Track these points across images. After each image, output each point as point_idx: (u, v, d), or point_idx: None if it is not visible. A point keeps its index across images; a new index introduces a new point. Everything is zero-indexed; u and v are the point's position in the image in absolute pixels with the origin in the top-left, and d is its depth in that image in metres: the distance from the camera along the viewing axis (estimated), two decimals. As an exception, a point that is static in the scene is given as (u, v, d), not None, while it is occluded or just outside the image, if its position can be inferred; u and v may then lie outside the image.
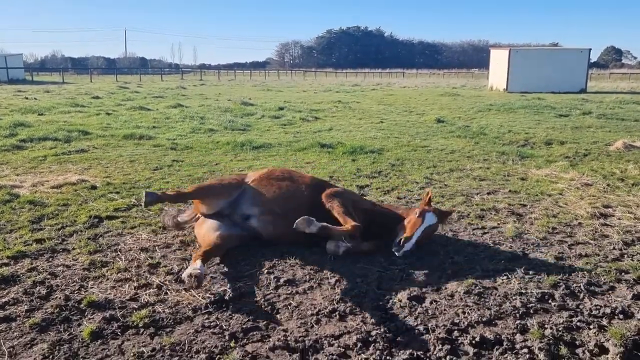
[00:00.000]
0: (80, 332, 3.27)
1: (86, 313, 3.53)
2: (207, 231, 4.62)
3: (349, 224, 4.32)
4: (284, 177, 5.03)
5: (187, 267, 4.05)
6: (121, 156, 9.38)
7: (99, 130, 12.62)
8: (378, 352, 3.02)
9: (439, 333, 3.24)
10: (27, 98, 23.35)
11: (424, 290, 3.89)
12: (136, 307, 3.62)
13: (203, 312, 3.55)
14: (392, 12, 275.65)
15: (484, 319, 3.42)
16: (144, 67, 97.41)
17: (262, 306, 3.64)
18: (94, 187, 6.95)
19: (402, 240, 4.29)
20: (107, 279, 4.08)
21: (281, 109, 18.75)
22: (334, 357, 3.00)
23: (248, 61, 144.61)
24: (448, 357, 2.96)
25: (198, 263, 3.86)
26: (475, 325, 3.37)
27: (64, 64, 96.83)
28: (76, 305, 3.63)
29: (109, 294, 3.82)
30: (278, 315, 3.53)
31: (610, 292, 3.88)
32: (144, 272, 4.22)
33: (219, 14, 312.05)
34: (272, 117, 16.13)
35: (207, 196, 4.85)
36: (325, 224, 4.26)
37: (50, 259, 4.48)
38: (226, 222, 4.70)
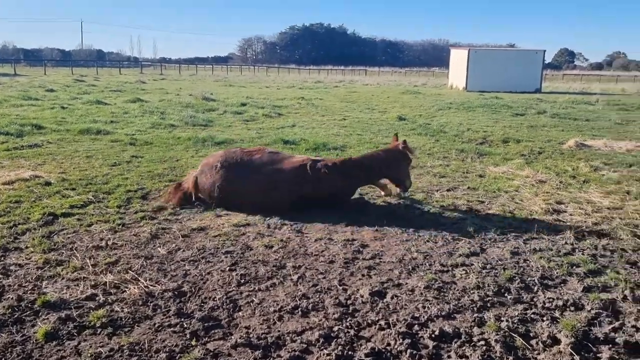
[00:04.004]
0: (34, 333, 3.17)
1: (40, 313, 3.41)
2: None
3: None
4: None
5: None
6: (77, 151, 9.09)
7: (53, 124, 12.19)
8: (340, 347, 3.05)
9: (400, 327, 3.30)
10: (-25, 90, 22.32)
11: (385, 285, 3.95)
12: (93, 306, 3.53)
13: (163, 310, 3.50)
14: (355, 10, 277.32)
15: (443, 313, 3.50)
16: (102, 60, 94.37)
17: (224, 304, 3.62)
18: (48, 184, 6.71)
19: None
20: (63, 278, 3.96)
21: (244, 104, 18.57)
22: (297, 353, 3.01)
23: (210, 56, 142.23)
24: (408, 351, 3.01)
25: None
26: (435, 319, 3.44)
27: (16, 55, 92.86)
28: (30, 305, 3.51)
29: (65, 293, 3.70)
30: (240, 313, 3.51)
31: (562, 285, 4.04)
32: (102, 270, 4.11)
33: (180, 7, 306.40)
34: (235, 113, 15.97)
35: None
36: None
37: (2, 258, 4.31)
38: None
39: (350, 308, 3.58)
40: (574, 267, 4.35)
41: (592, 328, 3.34)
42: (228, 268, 4.22)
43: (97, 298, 3.65)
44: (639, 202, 6.40)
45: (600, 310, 3.56)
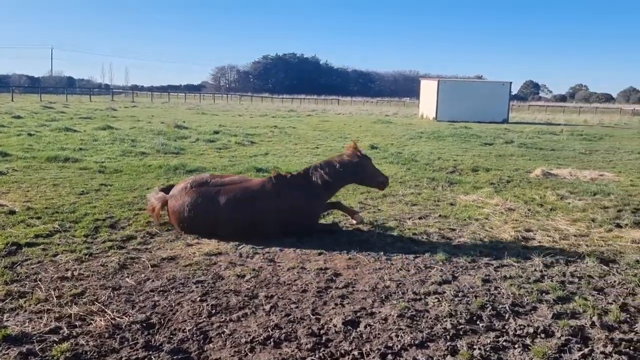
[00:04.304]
0: (-7, 369, 3.02)
1: (0, 348, 3.26)
2: None
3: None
4: None
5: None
6: (44, 179, 8.87)
7: (19, 151, 11.90)
8: (313, 378, 3.00)
9: (374, 357, 3.27)
10: (-62, 116, 21.70)
11: (358, 314, 3.92)
12: (57, 340, 3.39)
13: (130, 343, 3.39)
14: (327, 41, 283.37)
15: (417, 342, 3.49)
16: (72, 86, 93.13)
17: (194, 335, 3.53)
18: (12, 212, 6.51)
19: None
20: (25, 311, 3.81)
21: (216, 132, 18.54)
22: (269, 385, 2.94)
23: (183, 84, 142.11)
24: (382, 381, 2.98)
25: None
26: (408, 348, 3.42)
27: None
28: (-12, 340, 3.35)
29: (27, 326, 3.56)
30: (211, 344, 3.43)
31: (532, 312, 4.08)
32: (67, 302, 3.98)
33: (153, 35, 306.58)
34: (207, 141, 15.90)
35: None
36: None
37: (-40, 290, 4.13)
38: None
39: (324, 338, 3.54)
40: (544, 294, 4.42)
41: (563, 355, 3.37)
42: (199, 298, 4.13)
43: (62, 331, 3.52)
44: (604, 230, 6.58)
45: (570, 337, 3.61)
